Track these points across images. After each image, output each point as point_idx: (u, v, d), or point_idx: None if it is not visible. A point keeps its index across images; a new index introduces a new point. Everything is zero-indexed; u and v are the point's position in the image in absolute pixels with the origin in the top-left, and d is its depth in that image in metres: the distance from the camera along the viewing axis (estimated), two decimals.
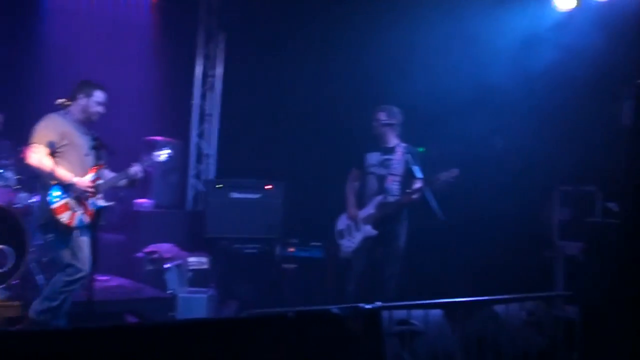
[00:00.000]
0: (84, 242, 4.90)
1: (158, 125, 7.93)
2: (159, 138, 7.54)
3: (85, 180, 4.86)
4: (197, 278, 6.68)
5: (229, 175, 7.90)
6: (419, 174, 5.63)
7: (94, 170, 4.94)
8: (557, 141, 6.22)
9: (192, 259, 6.76)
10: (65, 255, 4.84)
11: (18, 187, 6.14)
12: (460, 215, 6.03)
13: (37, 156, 4.78)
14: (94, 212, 4.89)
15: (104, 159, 4.94)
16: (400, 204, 5.84)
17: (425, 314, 3.97)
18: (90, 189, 4.86)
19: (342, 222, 6.14)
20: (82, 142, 4.95)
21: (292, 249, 7.14)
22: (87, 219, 4.87)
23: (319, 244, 7.18)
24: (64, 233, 4.83)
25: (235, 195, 7.43)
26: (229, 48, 8.74)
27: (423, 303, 3.90)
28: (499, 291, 4.26)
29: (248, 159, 8.09)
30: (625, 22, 5.78)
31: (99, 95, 5.05)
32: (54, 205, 4.76)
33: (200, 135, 8.76)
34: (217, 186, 7.52)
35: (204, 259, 6.85)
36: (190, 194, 8.51)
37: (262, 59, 8.02)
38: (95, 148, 4.79)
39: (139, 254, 6.86)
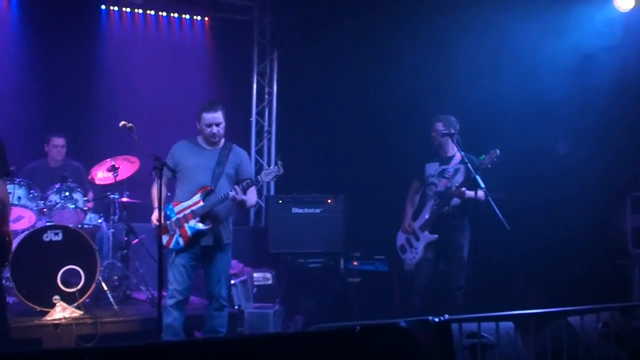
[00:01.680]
0: (180, 265, 4.91)
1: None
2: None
3: (154, 215, 4.93)
4: (262, 293, 6.73)
5: (288, 191, 7.94)
6: (481, 183, 5.53)
7: (201, 191, 4.93)
8: (626, 148, 6.02)
9: (257, 275, 6.82)
10: (168, 275, 4.96)
11: (86, 208, 6.31)
12: (529, 225, 5.89)
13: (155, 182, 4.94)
14: (190, 235, 4.88)
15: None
16: (450, 195, 5.74)
17: (496, 326, 3.86)
18: (153, 221, 4.92)
19: (400, 237, 6.11)
20: (192, 162, 4.98)
21: (355, 263, 7.11)
22: (182, 242, 4.90)
23: (382, 257, 7.12)
24: (168, 254, 4.97)
25: (296, 210, 7.48)
26: (283, 65, 8.83)
27: (494, 315, 3.79)
28: (572, 302, 4.11)
29: (307, 174, 8.12)
30: None
31: (206, 118, 4.98)
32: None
33: (259, 152, 8.85)
34: (278, 202, 7.57)
35: (268, 275, 6.91)
36: (252, 210, 8.58)
37: (316, 74, 8.06)
38: (157, 168, 4.67)
39: None
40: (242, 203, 4.84)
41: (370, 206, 7.51)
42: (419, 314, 4.57)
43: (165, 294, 4.85)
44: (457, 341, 3.73)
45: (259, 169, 8.80)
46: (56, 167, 6.77)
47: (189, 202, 4.94)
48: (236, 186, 4.81)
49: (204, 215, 4.84)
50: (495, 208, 5.28)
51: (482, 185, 5.47)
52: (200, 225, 4.86)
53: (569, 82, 6.14)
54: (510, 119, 6.37)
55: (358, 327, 3.41)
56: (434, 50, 6.98)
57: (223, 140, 5.13)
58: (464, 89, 6.56)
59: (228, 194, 4.79)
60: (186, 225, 4.89)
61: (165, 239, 4.94)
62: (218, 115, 4.98)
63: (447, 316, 3.69)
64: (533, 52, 6.45)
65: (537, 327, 4.06)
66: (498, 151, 5.48)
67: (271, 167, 4.85)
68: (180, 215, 4.93)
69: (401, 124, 7.33)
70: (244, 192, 4.83)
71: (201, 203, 4.88)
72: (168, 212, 5.00)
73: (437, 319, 3.65)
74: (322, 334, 3.51)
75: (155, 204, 4.92)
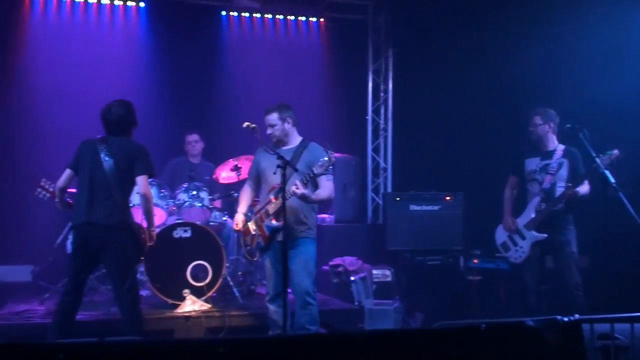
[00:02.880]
0: (265, 263, 5.16)
1: (335, 142, 8.13)
2: (335, 154, 7.74)
3: (237, 217, 5.21)
4: (381, 290, 6.76)
5: (405, 188, 7.93)
6: (610, 177, 5.27)
7: (272, 190, 5.05)
8: None
9: (376, 272, 6.86)
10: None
11: (212, 206, 6.59)
12: None
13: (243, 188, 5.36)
14: (268, 234, 5.03)
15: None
16: (561, 198, 5.53)
17: (631, 328, 3.69)
18: (235, 227, 5.22)
19: (500, 235, 5.97)
20: (267, 164, 5.12)
21: (476, 261, 6.99)
22: (262, 242, 5.09)
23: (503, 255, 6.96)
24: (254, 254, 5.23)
25: (414, 207, 7.46)
26: (398, 63, 8.82)
27: (629, 316, 3.62)
28: None
29: (424, 171, 8.08)
30: None
31: (266, 119, 5.17)
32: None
33: (376, 149, 8.88)
34: (396, 199, 7.58)
35: (387, 272, 6.93)
36: (369, 207, 8.64)
37: (431, 70, 8.00)
38: (280, 167, 4.75)
39: (324, 267, 7.07)
40: (304, 197, 4.85)
41: (489, 203, 7.35)
42: (536, 314, 4.44)
43: (290, 290, 4.97)
44: (588, 342, 3.60)
45: (375, 168, 8.86)
46: (196, 164, 7.16)
47: (264, 202, 5.12)
48: (297, 181, 4.84)
49: (278, 213, 4.89)
50: (627, 203, 5.02)
51: (612, 180, 5.22)
52: (274, 223, 4.95)
53: None
54: (632, 114, 6.05)
55: (483, 325, 3.37)
56: (549, 44, 6.78)
57: (300, 139, 5.21)
58: (578, 83, 6.31)
59: (290, 190, 4.82)
60: (263, 224, 5.05)
61: (248, 239, 5.20)
62: (270, 117, 5.13)
63: (577, 316, 3.57)
64: None
65: None
66: (617, 151, 5.20)
67: (323, 159, 4.85)
68: (257, 216, 5.14)
69: (518, 119, 7.15)
70: (305, 186, 4.84)
71: (273, 201, 4.99)
72: (249, 214, 5.24)
73: (566, 319, 3.54)
74: (447, 331, 3.49)
75: (240, 208, 5.25)
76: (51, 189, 5.14)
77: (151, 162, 4.85)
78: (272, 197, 5.01)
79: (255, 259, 5.25)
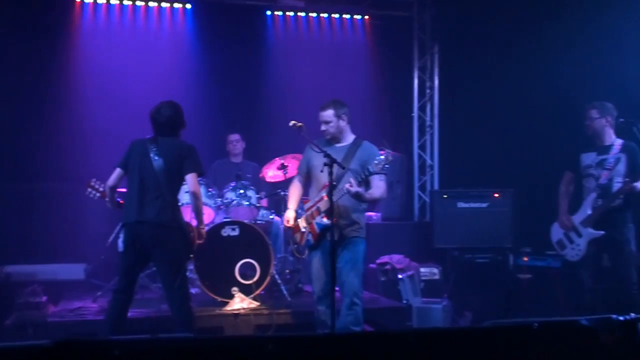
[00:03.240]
0: (313, 262, 5.06)
1: (381, 139, 8.10)
2: (381, 152, 7.73)
3: (288, 214, 5.17)
4: (429, 288, 6.71)
5: (452, 185, 7.86)
6: None
7: (324, 188, 4.98)
8: None
9: (423, 270, 6.81)
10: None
11: (259, 205, 6.63)
12: None
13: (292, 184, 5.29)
14: (318, 232, 4.98)
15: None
16: (618, 194, 5.39)
17: None
18: (285, 224, 5.18)
19: (556, 232, 5.83)
20: (317, 162, 5.06)
21: (526, 259, 6.88)
22: (312, 239, 5.03)
23: (554, 252, 6.83)
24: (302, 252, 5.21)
25: (462, 204, 7.40)
26: (443, 59, 8.74)
27: None
28: None
29: (470, 168, 7.99)
30: None
31: (319, 116, 5.10)
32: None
33: (422, 147, 8.82)
34: (443, 197, 7.52)
35: (435, 270, 6.88)
36: (416, 205, 8.59)
37: (478, 66, 7.90)
38: (327, 165, 4.73)
39: (371, 265, 7.06)
40: (357, 195, 4.80)
41: (539, 200, 7.24)
42: (591, 313, 4.34)
43: (337, 289, 4.94)
44: None
45: (421, 165, 8.80)
46: (237, 163, 7.23)
47: (315, 199, 5.05)
48: (351, 179, 4.79)
49: (329, 211, 4.81)
50: None
51: None
52: (325, 221, 4.89)
53: None
54: None
55: (536, 324, 3.31)
56: (601, 37, 6.60)
57: (353, 137, 5.17)
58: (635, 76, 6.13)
59: (344, 187, 4.78)
60: (314, 222, 5.00)
61: (297, 236, 5.15)
62: (325, 114, 5.05)
63: (633, 315, 3.49)
64: None
65: None
66: None
67: (379, 158, 4.80)
68: (307, 213, 5.07)
69: (568, 114, 7.00)
70: (359, 185, 4.79)
71: (325, 199, 4.91)
72: (299, 211, 5.19)
73: (621, 318, 3.46)
74: (499, 329, 3.44)
75: (290, 204, 5.21)
76: (101, 189, 5.25)
77: (200, 161, 4.91)
78: (324, 194, 4.95)
79: (303, 256, 5.24)
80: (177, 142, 4.91)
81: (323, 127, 5.09)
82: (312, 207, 5.08)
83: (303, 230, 5.11)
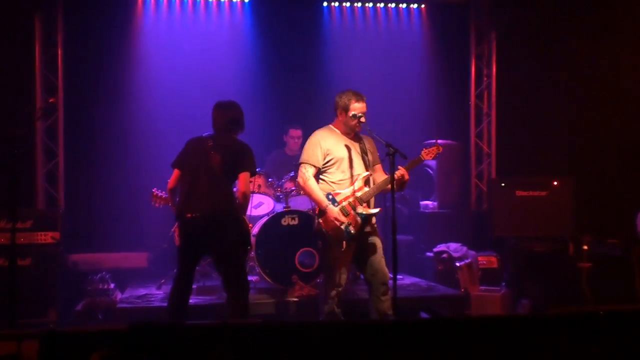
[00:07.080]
0: (347, 254, 4.96)
1: (437, 127, 8.10)
2: (439, 141, 7.71)
3: (333, 211, 4.86)
4: (487, 277, 6.69)
5: (509, 173, 7.79)
6: None
7: (363, 178, 4.98)
8: None
9: (481, 258, 6.80)
10: (327, 266, 5.12)
11: None
12: None
13: (303, 178, 5.05)
14: (360, 222, 4.92)
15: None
16: None
17: None
18: (339, 219, 4.84)
19: None
20: (342, 152, 5.03)
21: (586, 247, 6.79)
22: (354, 230, 4.91)
23: (615, 241, 6.72)
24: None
25: (520, 193, 7.33)
26: (501, 46, 8.63)
27: None
28: None
29: (528, 156, 7.90)
30: None
31: (356, 108, 4.98)
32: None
33: (479, 135, 8.75)
34: (501, 185, 7.47)
35: (493, 258, 6.85)
36: (473, 193, 8.54)
37: (536, 53, 7.79)
38: (389, 155, 4.72)
39: (428, 254, 7.07)
40: (404, 184, 4.90)
41: (599, 188, 7.14)
42: None
43: (400, 277, 4.96)
44: None
45: (478, 153, 8.73)
46: (293, 156, 7.32)
47: (350, 190, 4.95)
48: (400, 167, 4.84)
49: (368, 201, 4.91)
50: None
51: None
52: (372, 210, 4.91)
53: None
54: None
55: (601, 312, 3.31)
56: None
57: None
58: None
59: (394, 175, 4.75)
60: (354, 213, 4.90)
61: (334, 230, 4.93)
62: (365, 105, 5.02)
63: None
64: None
65: None
66: None
67: (431, 148, 4.84)
68: (344, 203, 4.91)
69: (630, 101, 6.86)
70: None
71: (366, 188, 4.92)
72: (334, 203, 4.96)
73: None
74: (564, 317, 3.45)
75: (324, 204, 4.89)
76: (164, 196, 5.42)
77: (254, 162, 4.99)
78: (362, 185, 4.95)
79: (342, 249, 4.93)
80: (234, 140, 5.01)
81: (363, 120, 5.00)
82: (348, 197, 4.94)
83: (339, 223, 4.89)
